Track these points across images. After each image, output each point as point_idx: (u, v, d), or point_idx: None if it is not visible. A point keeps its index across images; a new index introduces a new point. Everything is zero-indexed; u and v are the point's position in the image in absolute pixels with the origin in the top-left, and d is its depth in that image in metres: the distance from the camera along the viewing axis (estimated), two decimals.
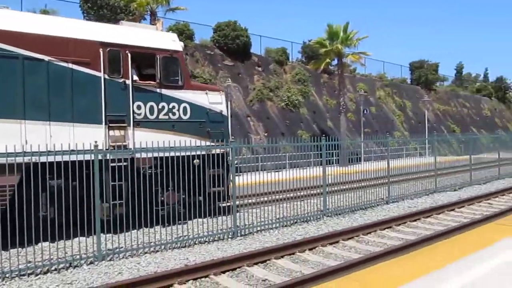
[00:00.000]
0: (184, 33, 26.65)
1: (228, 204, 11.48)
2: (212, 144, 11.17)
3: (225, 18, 33.05)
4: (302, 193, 12.68)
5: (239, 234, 10.35)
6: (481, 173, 21.42)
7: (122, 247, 8.80)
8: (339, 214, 12.69)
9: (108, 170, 9.36)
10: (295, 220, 11.62)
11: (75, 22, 11.41)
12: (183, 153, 9.91)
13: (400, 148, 30.12)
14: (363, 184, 14.88)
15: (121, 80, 10.54)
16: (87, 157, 8.73)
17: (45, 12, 22.50)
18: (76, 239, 8.83)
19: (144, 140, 10.09)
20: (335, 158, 14.07)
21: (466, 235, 8.86)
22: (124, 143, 10.33)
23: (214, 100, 12.20)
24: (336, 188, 13.59)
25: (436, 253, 7.04)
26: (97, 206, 8.50)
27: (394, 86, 44.29)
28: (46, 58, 9.53)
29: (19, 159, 7.83)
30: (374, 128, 36.41)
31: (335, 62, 31.14)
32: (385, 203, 14.41)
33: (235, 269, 7.98)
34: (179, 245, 9.43)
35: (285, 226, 11.28)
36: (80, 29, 10.46)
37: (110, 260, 8.43)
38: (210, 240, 9.92)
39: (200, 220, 10.20)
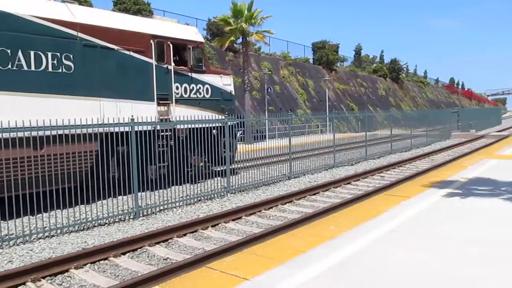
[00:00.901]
0: (81, 5, 25.07)
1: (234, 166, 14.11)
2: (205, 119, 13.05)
3: None
4: (206, 171, 12.71)
5: (141, 215, 10.13)
6: (376, 149, 22.86)
7: (12, 234, 8.23)
8: (243, 191, 12.88)
9: (158, 138, 11.53)
10: (199, 198, 11.61)
11: (133, 17, 14.25)
12: (206, 125, 12.42)
13: (303, 126, 31.18)
14: (267, 161, 15.24)
15: (165, 66, 12.77)
16: (145, 128, 10.74)
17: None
18: None
19: (180, 114, 12.24)
20: (239, 135, 14.34)
21: (360, 205, 9.38)
22: (167, 117, 12.70)
23: (226, 82, 14.94)
24: (240, 166, 13.76)
25: (332, 224, 7.39)
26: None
27: (298, 66, 45.53)
28: (115, 47, 11.53)
29: (100, 130, 10.01)
30: (278, 106, 37.25)
31: (240, 40, 31.17)
32: (287, 179, 14.88)
33: (135, 249, 7.82)
34: (77, 228, 9.01)
35: (189, 204, 11.24)
36: (137, 24, 12.70)
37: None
38: (111, 221, 9.60)
39: (99, 202, 9.81)
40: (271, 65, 40.08)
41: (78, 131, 9.44)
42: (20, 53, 9.74)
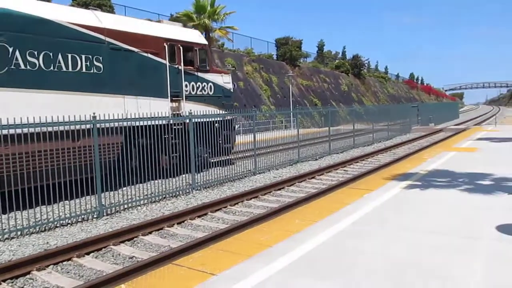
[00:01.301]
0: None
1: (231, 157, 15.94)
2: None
3: None
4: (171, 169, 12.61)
5: (104, 214, 9.98)
6: (339, 143, 23.23)
7: None
8: (208, 187, 12.87)
9: (170, 131, 12.73)
10: (164, 196, 11.52)
11: (149, 22, 15.30)
12: (210, 119, 13.95)
13: (267, 122, 31.32)
14: (232, 157, 15.26)
15: (176, 66, 14.12)
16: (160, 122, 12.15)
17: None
18: None
19: (189, 110, 13.63)
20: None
21: (324, 199, 9.54)
22: (179, 112, 13.99)
23: (226, 80, 16.46)
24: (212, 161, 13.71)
25: (297, 218, 7.49)
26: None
27: (261, 62, 45.64)
28: (136, 50, 12.80)
29: (124, 124, 11.16)
30: (242, 103, 37.25)
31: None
32: (253, 174, 14.95)
33: (100, 249, 7.72)
34: (38, 229, 8.79)
35: (154, 202, 11.15)
36: (152, 28, 13.94)
37: None
38: (74, 221, 9.42)
39: (61, 202, 9.60)
40: (234, 61, 40.03)
41: (107, 125, 10.53)
42: (60, 56, 10.91)
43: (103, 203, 10.06)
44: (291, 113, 30.47)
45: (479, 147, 17.68)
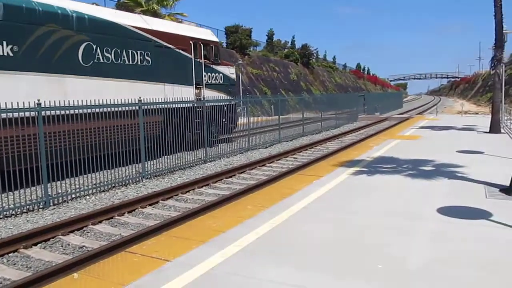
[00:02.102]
0: None
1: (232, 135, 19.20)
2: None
3: None
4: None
5: (51, 204, 9.70)
6: (289, 131, 23.57)
7: None
8: (159, 176, 12.76)
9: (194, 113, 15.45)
10: (113, 185, 11.33)
11: (179, 24, 19.31)
12: (221, 103, 17.58)
13: None
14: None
15: (198, 60, 17.30)
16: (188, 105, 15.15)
17: None
18: None
19: (207, 96, 17.26)
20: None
21: (275, 186, 9.72)
22: (200, 97, 16.98)
23: (231, 72, 20.00)
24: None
25: (249, 204, 7.60)
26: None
27: None
28: (171, 46, 15.94)
29: (164, 106, 13.87)
30: None
31: None
32: (203, 163, 14.94)
33: (48, 239, 7.51)
34: None
35: (103, 191, 10.94)
36: (182, 29, 17.44)
37: None
38: (18, 212, 9.10)
39: (4, 193, 9.23)
40: None
41: (155, 107, 13.20)
42: (124, 52, 13.87)
43: (50, 193, 9.77)
44: (241, 102, 30.49)
45: (422, 135, 18.48)
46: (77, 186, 10.48)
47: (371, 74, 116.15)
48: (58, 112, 10.24)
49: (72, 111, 10.65)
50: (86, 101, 10.81)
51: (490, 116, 20.55)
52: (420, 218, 6.44)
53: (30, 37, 11.36)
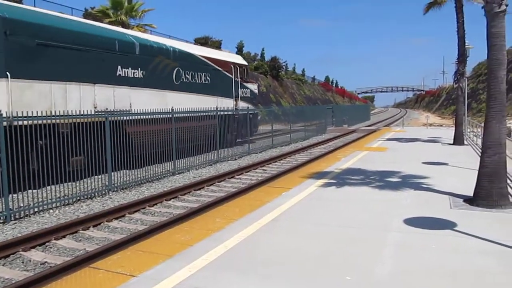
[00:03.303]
0: None
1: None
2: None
3: None
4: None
5: (12, 218, 9.35)
6: (258, 143, 23.61)
7: None
8: (126, 188, 12.52)
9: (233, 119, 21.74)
10: (78, 198, 11.04)
11: (223, 52, 24.70)
12: (249, 112, 23.07)
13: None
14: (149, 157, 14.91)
15: (235, 79, 22.72)
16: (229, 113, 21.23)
17: None
18: None
19: (241, 106, 22.91)
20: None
21: (244, 198, 9.66)
22: (236, 107, 22.47)
23: (255, 87, 26.01)
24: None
25: (218, 217, 7.52)
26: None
27: None
28: (220, 69, 21.36)
29: (219, 113, 18.96)
30: None
31: None
32: (172, 175, 14.76)
33: (8, 256, 7.22)
34: None
35: (67, 204, 10.64)
36: (226, 56, 23.48)
37: None
38: None
39: None
40: None
41: (213, 113, 18.73)
42: (197, 75, 19.50)
43: (11, 206, 9.43)
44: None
45: (389, 147, 18.80)
46: (40, 200, 10.16)
47: (339, 87, 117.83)
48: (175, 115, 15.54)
49: (180, 115, 15.86)
50: (178, 108, 15.77)
51: (454, 128, 21.11)
52: (387, 229, 6.50)
53: (150, 65, 16.66)
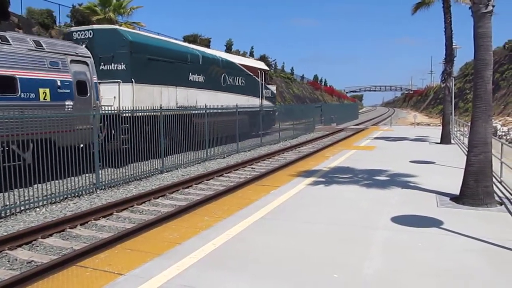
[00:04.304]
0: None
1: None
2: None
3: None
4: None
5: None
6: (247, 142, 23.56)
7: None
8: (113, 186, 12.44)
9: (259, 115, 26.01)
10: (66, 196, 10.95)
11: (253, 60, 32.72)
12: (269, 109, 28.86)
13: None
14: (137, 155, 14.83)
15: (261, 82, 27.43)
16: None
17: None
18: None
19: (264, 104, 27.56)
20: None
21: (233, 196, 9.65)
22: (261, 105, 26.97)
23: (274, 89, 30.98)
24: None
25: (206, 215, 7.51)
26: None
27: None
28: (251, 73, 26.24)
29: (246, 110, 23.84)
30: None
31: None
32: (160, 173, 14.70)
33: None
34: None
35: (54, 203, 10.54)
36: (254, 63, 29.10)
37: None
38: None
39: None
40: None
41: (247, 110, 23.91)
42: (236, 79, 24.19)
43: None
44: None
45: (377, 145, 18.92)
46: (27, 198, 10.06)
47: (328, 86, 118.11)
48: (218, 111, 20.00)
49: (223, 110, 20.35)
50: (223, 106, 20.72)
51: (441, 127, 21.30)
52: (375, 227, 6.55)
53: (208, 72, 21.43)
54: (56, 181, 10.86)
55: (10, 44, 11.68)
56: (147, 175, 14.10)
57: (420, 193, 8.95)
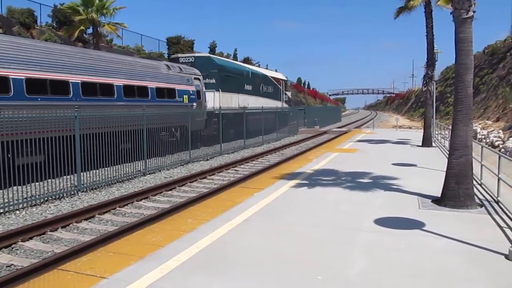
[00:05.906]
0: None
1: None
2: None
3: None
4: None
5: None
6: (230, 144, 23.52)
7: None
8: (95, 189, 12.30)
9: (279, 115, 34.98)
10: (46, 198, 10.79)
11: (276, 73, 43.80)
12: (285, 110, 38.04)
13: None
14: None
15: (282, 89, 37.75)
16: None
17: None
18: None
19: (283, 106, 37.43)
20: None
21: (216, 198, 9.61)
22: (281, 107, 36.62)
23: (289, 94, 43.78)
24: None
25: (189, 217, 7.46)
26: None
27: (152, 60, 44.51)
28: (276, 83, 36.46)
29: (279, 111, 34.94)
30: None
31: (90, 30, 29.45)
32: (142, 175, 14.59)
33: None
34: None
35: (35, 205, 10.38)
36: (277, 75, 40.29)
37: None
38: None
39: None
40: None
41: (273, 110, 32.88)
42: (265, 87, 33.57)
43: None
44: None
45: (359, 148, 19.06)
46: (6, 200, 9.88)
47: (311, 89, 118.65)
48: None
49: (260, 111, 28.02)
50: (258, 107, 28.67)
51: (422, 130, 21.55)
52: (358, 229, 6.59)
53: (253, 82, 30.50)
54: (37, 183, 10.71)
55: (170, 69, 20.11)
56: (130, 177, 13.97)
57: (403, 195, 9.04)
